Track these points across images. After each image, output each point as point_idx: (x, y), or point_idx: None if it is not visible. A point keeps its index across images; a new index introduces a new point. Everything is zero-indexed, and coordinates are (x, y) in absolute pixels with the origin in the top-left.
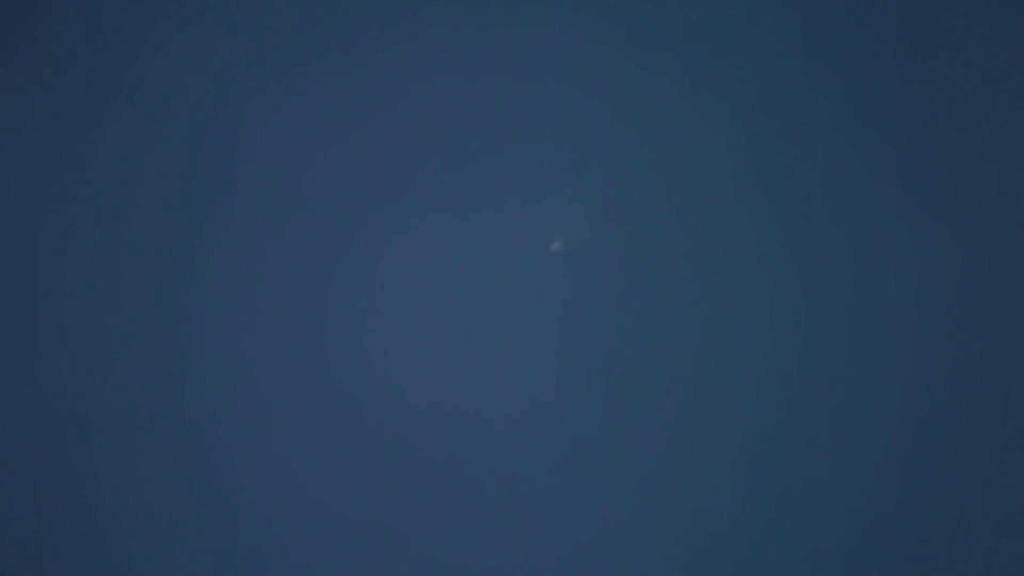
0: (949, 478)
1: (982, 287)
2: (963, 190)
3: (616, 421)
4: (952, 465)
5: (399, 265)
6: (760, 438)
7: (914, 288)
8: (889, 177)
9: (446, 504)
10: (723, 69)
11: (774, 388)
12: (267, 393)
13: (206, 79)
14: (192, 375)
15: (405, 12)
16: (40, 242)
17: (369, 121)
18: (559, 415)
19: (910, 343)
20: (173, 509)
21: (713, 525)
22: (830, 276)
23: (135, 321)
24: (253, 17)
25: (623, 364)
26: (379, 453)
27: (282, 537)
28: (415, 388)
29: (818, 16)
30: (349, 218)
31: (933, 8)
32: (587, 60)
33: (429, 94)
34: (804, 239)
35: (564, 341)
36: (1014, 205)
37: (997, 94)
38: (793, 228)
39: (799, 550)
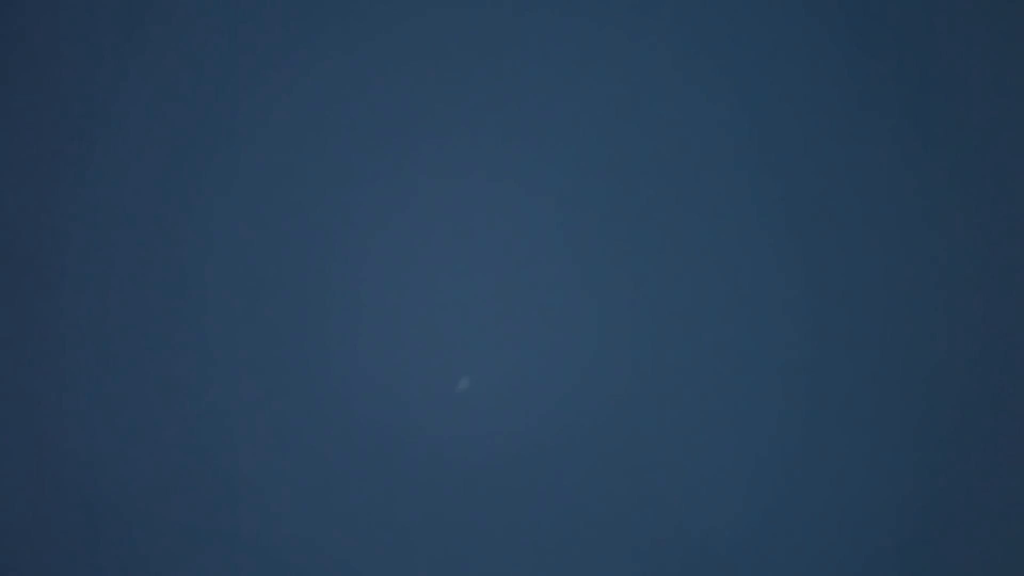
0: (949, 479)
1: (981, 287)
2: (963, 183)
3: (617, 418)
4: (952, 465)
5: (397, 260)
6: (761, 439)
7: (916, 285)
8: (889, 171)
9: (441, 502)
10: (723, 64)
11: (774, 387)
12: (265, 391)
13: (201, 75)
14: (189, 373)
15: (404, 6)
16: (37, 240)
17: (368, 117)
18: (560, 413)
19: (910, 340)
20: (173, 505)
21: (715, 527)
22: (830, 275)
23: (133, 316)
24: (249, 12)
25: (623, 360)
26: (376, 451)
27: (280, 534)
28: (414, 386)
29: (820, 9)
30: (346, 215)
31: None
32: (585, 56)
33: (425, 91)
34: (805, 239)
35: (563, 336)
36: (1013, 199)
37: (997, 85)
38: (794, 228)
39: (801, 554)
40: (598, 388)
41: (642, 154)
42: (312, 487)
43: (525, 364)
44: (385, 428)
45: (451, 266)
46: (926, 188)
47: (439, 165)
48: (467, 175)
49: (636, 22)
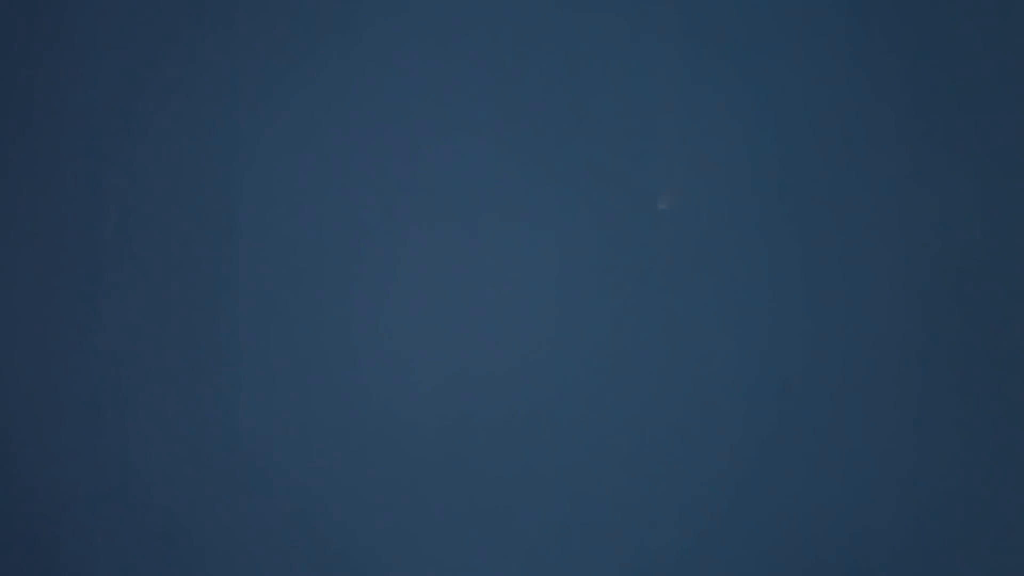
0: (945, 482)
1: (981, 285)
2: (966, 182)
3: (617, 414)
4: (950, 467)
5: (408, 260)
6: (760, 437)
7: (914, 283)
8: (892, 163)
9: (446, 497)
10: (728, 62)
11: (773, 388)
12: (280, 388)
13: (218, 82)
14: (212, 373)
15: (408, 9)
16: (65, 240)
17: (380, 119)
18: (562, 408)
19: (911, 340)
20: (193, 499)
21: (712, 523)
22: (828, 275)
23: (163, 314)
24: (253, 18)
25: (625, 357)
26: (384, 446)
27: (293, 528)
28: (422, 381)
29: (823, 8)
30: (361, 219)
31: None
32: (587, 58)
33: (433, 92)
34: (802, 239)
35: (566, 334)
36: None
37: (1001, 76)
38: (790, 228)
39: (793, 550)
40: (604, 382)
41: (643, 150)
42: (323, 482)
43: (524, 360)
44: (393, 426)
45: (449, 262)
46: (928, 183)
47: (441, 164)
48: (468, 173)
49: (642, 17)
